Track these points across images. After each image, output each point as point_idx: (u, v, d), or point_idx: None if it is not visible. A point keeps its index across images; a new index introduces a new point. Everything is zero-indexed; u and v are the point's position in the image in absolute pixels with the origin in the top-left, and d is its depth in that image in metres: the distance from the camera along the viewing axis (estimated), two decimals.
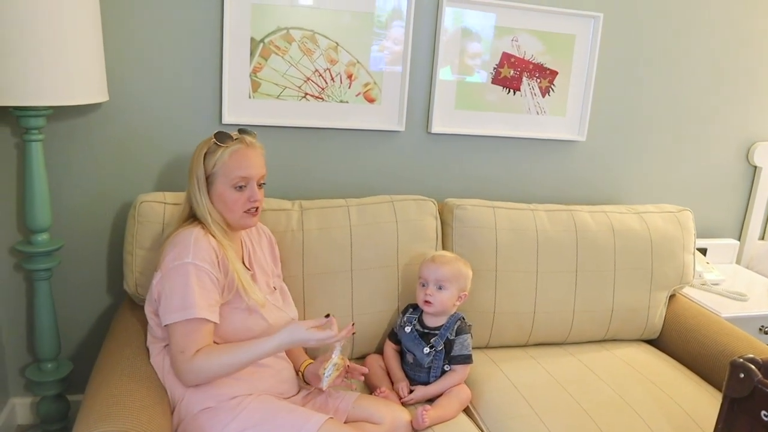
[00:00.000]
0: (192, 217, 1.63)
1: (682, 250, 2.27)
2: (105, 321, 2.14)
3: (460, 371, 1.86)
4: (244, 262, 1.71)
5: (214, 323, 1.52)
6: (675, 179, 2.69)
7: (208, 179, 1.60)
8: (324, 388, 1.61)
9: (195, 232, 1.55)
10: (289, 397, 1.64)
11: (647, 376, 1.98)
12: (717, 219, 2.81)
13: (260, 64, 2.09)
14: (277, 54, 2.10)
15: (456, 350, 1.86)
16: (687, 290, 2.43)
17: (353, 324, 1.60)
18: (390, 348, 1.95)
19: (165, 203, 1.83)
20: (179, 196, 1.80)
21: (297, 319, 1.78)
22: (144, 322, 1.68)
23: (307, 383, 1.75)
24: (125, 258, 1.83)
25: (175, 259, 1.51)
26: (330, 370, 1.58)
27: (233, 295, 1.58)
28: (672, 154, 2.65)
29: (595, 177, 2.57)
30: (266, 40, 2.08)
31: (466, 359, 1.87)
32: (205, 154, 1.60)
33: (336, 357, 1.59)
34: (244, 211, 1.62)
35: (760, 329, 2.37)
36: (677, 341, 2.21)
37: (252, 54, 2.08)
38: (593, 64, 2.39)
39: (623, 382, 1.93)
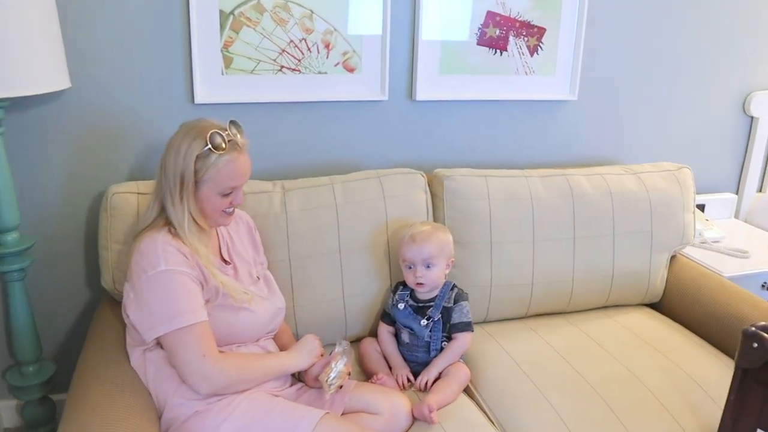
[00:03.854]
0: (160, 215, 1.52)
1: (683, 210, 2.19)
2: (87, 317, 2.05)
3: (461, 339, 1.79)
4: (222, 255, 1.62)
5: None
6: (671, 135, 2.60)
7: (195, 183, 1.48)
8: (328, 397, 1.54)
9: (160, 237, 1.45)
10: (281, 391, 1.57)
11: (652, 344, 1.92)
12: (714, 173, 2.74)
13: (231, 37, 1.96)
14: (248, 26, 1.97)
15: (455, 318, 1.80)
16: (687, 249, 2.36)
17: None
18: (385, 331, 1.87)
19: (138, 193, 1.73)
20: (153, 185, 1.70)
21: (284, 308, 1.70)
22: (124, 321, 1.59)
23: (300, 381, 1.67)
24: (100, 254, 1.74)
25: (147, 269, 1.42)
26: (334, 378, 1.52)
27: (220, 296, 1.49)
28: (666, 108, 2.56)
29: (588, 137, 2.47)
30: (236, 12, 1.95)
31: (467, 326, 1.80)
32: (197, 157, 1.45)
33: (342, 365, 1.52)
34: (223, 211, 1.54)
35: (762, 286, 2.32)
36: (680, 304, 2.15)
37: (222, 27, 1.94)
38: (582, 19, 2.27)
39: (628, 352, 1.87)
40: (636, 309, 2.19)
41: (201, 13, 1.91)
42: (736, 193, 2.80)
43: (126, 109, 1.93)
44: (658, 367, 1.81)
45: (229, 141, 1.48)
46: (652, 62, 2.47)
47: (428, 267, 1.78)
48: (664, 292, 2.22)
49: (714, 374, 1.79)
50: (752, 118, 2.69)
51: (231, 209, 1.56)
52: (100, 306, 1.81)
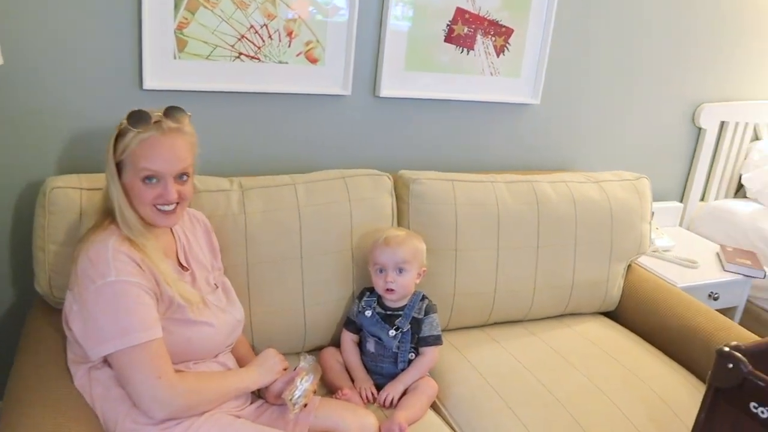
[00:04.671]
0: (105, 207, 1.38)
1: (640, 220, 2.19)
2: (12, 323, 1.83)
3: (430, 354, 1.73)
4: (179, 260, 1.47)
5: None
6: (625, 143, 2.62)
7: (118, 166, 1.34)
8: (292, 417, 1.42)
9: (111, 242, 1.29)
10: (242, 411, 1.44)
11: (612, 355, 1.91)
12: (663, 182, 2.78)
13: (186, 18, 1.80)
14: (206, 7, 1.81)
15: (425, 331, 1.73)
16: (640, 258, 2.37)
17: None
18: (349, 339, 1.78)
19: (81, 188, 1.54)
20: (98, 179, 1.52)
21: (243, 320, 1.57)
22: (63, 332, 1.42)
23: (260, 397, 1.55)
24: (35, 255, 1.54)
25: (95, 279, 1.26)
26: (300, 396, 1.40)
27: (174, 307, 1.35)
28: (622, 117, 2.57)
29: (548, 141, 2.45)
30: None
31: (437, 340, 1.74)
32: (117, 137, 1.33)
33: (307, 383, 1.41)
34: (154, 206, 1.36)
35: (710, 295, 2.37)
36: (635, 314, 2.16)
37: (176, 7, 1.77)
38: (550, 22, 2.23)
39: (591, 364, 1.85)
40: (593, 318, 2.18)
41: None
42: (681, 202, 2.86)
43: (65, 91, 1.73)
44: (621, 380, 1.80)
45: (155, 122, 1.33)
46: (611, 72, 2.47)
47: (400, 272, 1.70)
48: (619, 301, 2.22)
49: (674, 388, 1.80)
50: (700, 129, 2.75)
51: (166, 207, 1.37)
52: (32, 312, 1.61)
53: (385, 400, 1.64)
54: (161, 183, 1.34)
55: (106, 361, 1.33)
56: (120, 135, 1.33)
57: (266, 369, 1.49)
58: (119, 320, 1.26)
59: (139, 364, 1.26)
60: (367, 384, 1.68)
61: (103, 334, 1.26)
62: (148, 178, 1.33)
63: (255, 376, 1.47)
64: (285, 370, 1.53)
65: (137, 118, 1.32)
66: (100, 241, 1.30)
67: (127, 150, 1.32)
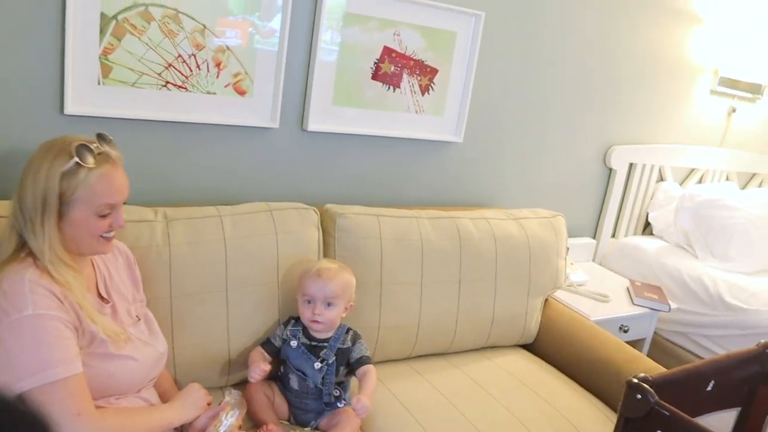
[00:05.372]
0: (20, 245, 1.31)
1: (556, 256, 2.29)
2: None
3: (370, 369, 1.74)
4: (99, 292, 1.43)
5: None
6: (542, 182, 2.74)
7: (63, 205, 1.29)
8: None
9: (28, 275, 1.25)
10: None
11: (532, 387, 1.97)
12: (578, 219, 2.92)
13: (112, 44, 1.77)
14: (133, 34, 1.79)
15: (355, 355, 1.75)
16: (556, 292, 2.47)
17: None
18: (259, 351, 1.75)
19: None
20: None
21: (166, 353, 1.53)
22: None
23: None
24: None
25: (10, 313, 1.21)
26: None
27: (97, 342, 1.31)
28: (540, 157, 2.69)
29: (470, 178, 2.53)
30: (120, 17, 1.76)
31: (369, 360, 1.76)
32: (63, 175, 1.27)
33: (232, 418, 1.39)
34: (101, 236, 1.34)
35: (620, 328, 2.48)
36: (551, 346, 2.24)
37: (102, 32, 1.75)
38: (473, 64, 2.32)
39: (511, 396, 1.90)
40: (512, 350, 2.25)
41: (79, 14, 1.70)
42: (594, 238, 3.00)
43: None
44: (538, 411, 1.86)
45: (99, 154, 1.31)
46: (530, 114, 2.59)
47: (328, 306, 1.70)
48: (537, 334, 2.30)
49: (588, 418, 1.87)
50: (611, 169, 2.91)
51: (111, 234, 1.37)
52: None
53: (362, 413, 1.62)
54: (114, 213, 1.35)
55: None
56: (68, 174, 1.27)
57: (190, 404, 1.46)
58: (36, 355, 1.21)
59: (57, 401, 1.21)
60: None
61: (19, 370, 1.20)
62: (104, 213, 1.32)
63: (178, 411, 1.43)
64: (209, 404, 1.50)
65: (87, 154, 1.28)
66: (15, 273, 1.25)
67: (82, 188, 1.27)
